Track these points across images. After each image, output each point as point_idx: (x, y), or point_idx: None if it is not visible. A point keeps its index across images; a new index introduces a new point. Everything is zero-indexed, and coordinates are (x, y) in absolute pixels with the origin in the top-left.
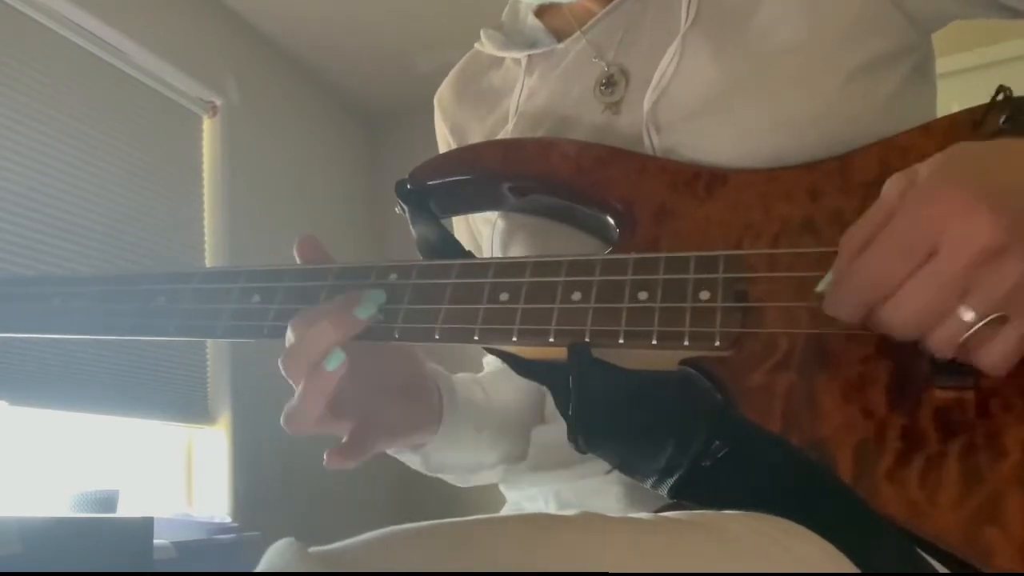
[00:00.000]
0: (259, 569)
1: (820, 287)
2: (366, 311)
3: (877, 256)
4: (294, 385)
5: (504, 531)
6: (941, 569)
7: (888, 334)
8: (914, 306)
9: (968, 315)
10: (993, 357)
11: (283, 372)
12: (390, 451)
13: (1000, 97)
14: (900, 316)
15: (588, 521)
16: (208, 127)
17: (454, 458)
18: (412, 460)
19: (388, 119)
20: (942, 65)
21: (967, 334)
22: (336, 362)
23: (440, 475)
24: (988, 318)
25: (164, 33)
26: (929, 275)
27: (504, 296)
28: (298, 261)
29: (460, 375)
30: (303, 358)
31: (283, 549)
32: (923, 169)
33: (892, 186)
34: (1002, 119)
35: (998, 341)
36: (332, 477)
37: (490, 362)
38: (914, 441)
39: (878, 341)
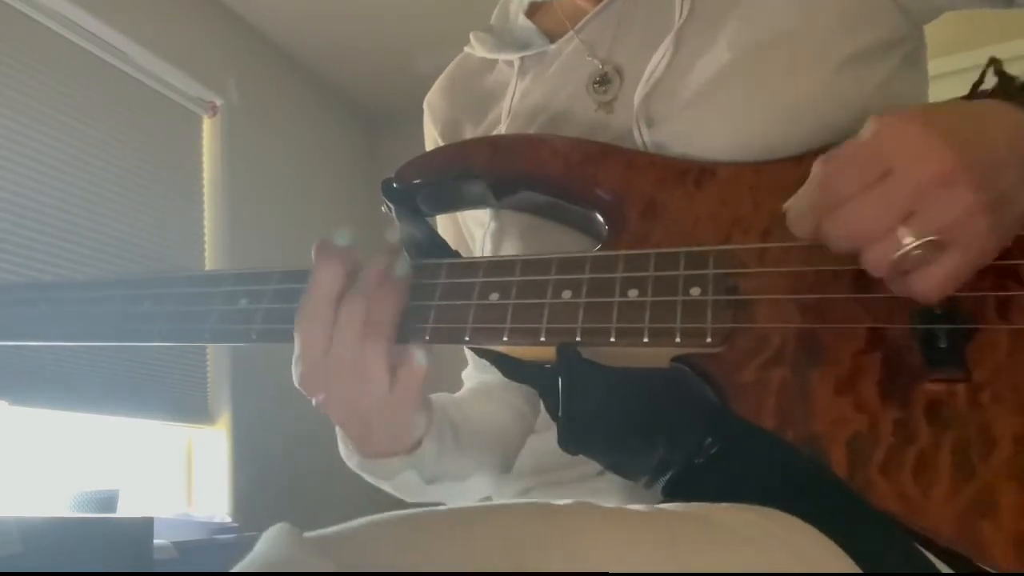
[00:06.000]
0: (254, 553)
1: (787, 202)
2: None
3: (833, 173)
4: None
5: (498, 520)
6: (936, 562)
7: (826, 244)
8: (856, 220)
9: (906, 236)
10: (927, 283)
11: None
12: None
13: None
14: (840, 228)
15: (583, 512)
16: (208, 127)
17: (448, 465)
18: (409, 478)
19: (388, 119)
20: (943, 65)
21: (899, 253)
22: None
23: (434, 485)
24: (922, 240)
25: (164, 33)
26: (876, 193)
27: (494, 295)
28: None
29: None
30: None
31: (277, 533)
32: (899, 111)
33: (868, 123)
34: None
35: (934, 267)
36: (332, 477)
37: (469, 375)
38: (907, 435)
39: (869, 335)
